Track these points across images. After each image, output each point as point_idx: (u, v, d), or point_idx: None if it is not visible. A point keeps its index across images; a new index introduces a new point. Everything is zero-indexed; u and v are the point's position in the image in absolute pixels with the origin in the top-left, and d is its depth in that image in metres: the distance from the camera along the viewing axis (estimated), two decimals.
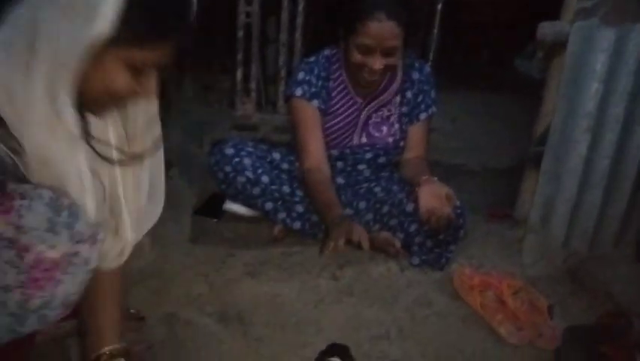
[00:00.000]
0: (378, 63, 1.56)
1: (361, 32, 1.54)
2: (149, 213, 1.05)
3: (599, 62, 1.54)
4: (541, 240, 1.68)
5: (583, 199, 1.63)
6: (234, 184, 1.73)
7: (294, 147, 1.78)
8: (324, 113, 1.71)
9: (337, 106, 1.73)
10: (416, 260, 1.65)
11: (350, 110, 1.74)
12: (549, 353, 1.36)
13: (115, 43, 0.76)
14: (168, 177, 2.00)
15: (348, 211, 1.74)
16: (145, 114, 0.94)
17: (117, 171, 0.96)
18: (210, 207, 1.87)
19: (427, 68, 1.81)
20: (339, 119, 1.74)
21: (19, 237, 0.77)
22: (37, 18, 0.75)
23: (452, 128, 2.75)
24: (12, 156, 0.78)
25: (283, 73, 2.61)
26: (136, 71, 0.81)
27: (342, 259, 1.64)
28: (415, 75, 1.77)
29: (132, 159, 0.94)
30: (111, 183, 0.96)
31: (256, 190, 1.72)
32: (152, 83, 0.84)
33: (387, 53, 1.56)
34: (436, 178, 1.61)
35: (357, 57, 1.59)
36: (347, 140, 1.76)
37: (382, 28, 1.53)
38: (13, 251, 0.77)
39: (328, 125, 1.73)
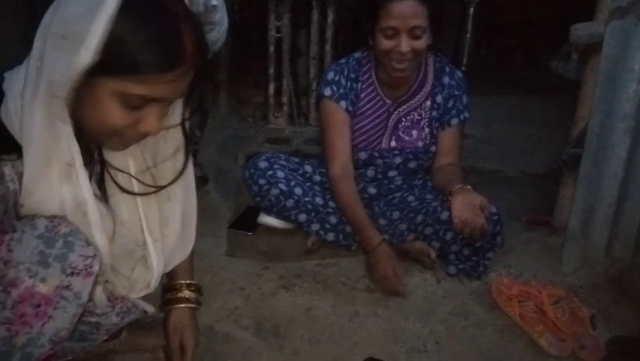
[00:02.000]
0: (404, 45, 1.56)
1: (385, 15, 1.56)
2: (179, 249, 1.04)
3: (637, 62, 1.49)
4: (582, 247, 1.63)
5: (624, 204, 1.57)
6: (268, 197, 1.75)
7: (324, 159, 1.80)
8: (353, 115, 1.73)
9: (366, 107, 1.74)
10: (453, 269, 1.63)
11: (379, 112, 1.74)
12: None
13: (102, 74, 0.73)
14: (205, 192, 2.08)
15: (382, 222, 1.74)
16: (168, 146, 0.93)
17: (139, 202, 0.94)
18: (245, 221, 1.90)
19: (459, 73, 1.79)
20: (367, 120, 1.74)
21: (7, 271, 0.75)
22: (43, 48, 0.75)
23: (487, 133, 2.71)
24: (17, 180, 0.78)
25: (314, 85, 2.64)
26: (131, 105, 0.77)
27: None
28: (446, 80, 1.76)
29: (152, 189, 0.93)
30: (132, 214, 0.94)
31: (289, 202, 1.74)
32: (153, 120, 0.79)
33: (413, 35, 1.56)
34: (469, 187, 1.59)
35: (384, 44, 1.59)
36: (376, 142, 1.76)
37: (405, 6, 1.54)
38: None
39: (357, 126, 1.74)
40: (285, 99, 2.69)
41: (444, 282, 1.61)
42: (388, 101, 1.74)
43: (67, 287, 0.80)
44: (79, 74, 0.72)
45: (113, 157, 0.92)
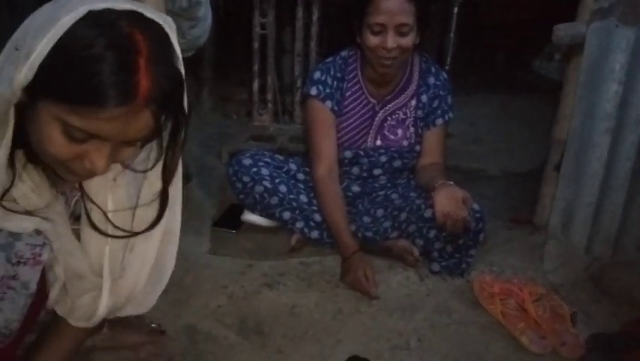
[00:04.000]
0: (391, 41, 1.57)
1: (372, 11, 1.57)
2: (133, 303, 0.97)
3: (618, 63, 1.51)
4: (563, 246, 1.65)
5: (605, 203, 1.59)
6: (252, 194, 1.74)
7: (309, 156, 1.80)
8: (338, 114, 1.73)
9: (351, 106, 1.74)
10: (436, 267, 1.64)
11: (364, 111, 1.75)
12: None
13: (45, 96, 0.66)
14: (188, 189, 2.06)
15: (366, 219, 1.75)
16: (155, 192, 0.86)
17: (109, 240, 0.88)
18: (229, 219, 1.88)
19: (444, 74, 1.80)
20: (352, 119, 1.75)
21: None
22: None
23: (470, 132, 2.73)
24: None
25: (299, 83, 2.63)
26: (72, 136, 0.68)
27: None
28: (431, 80, 1.76)
29: (121, 233, 0.87)
30: (98, 250, 0.88)
31: (274, 200, 1.73)
32: (97, 157, 0.71)
33: (400, 32, 1.57)
34: (451, 182, 1.60)
35: (371, 40, 1.59)
36: (361, 141, 1.76)
37: (392, 3, 1.55)
38: None
39: (342, 125, 1.74)
40: (269, 96, 2.68)
41: (427, 280, 1.62)
42: (373, 100, 1.74)
43: (14, 277, 0.77)
44: (18, 90, 0.66)
45: (92, 189, 0.86)
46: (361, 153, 1.77)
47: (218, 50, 2.87)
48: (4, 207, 0.75)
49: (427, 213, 1.63)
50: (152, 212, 0.87)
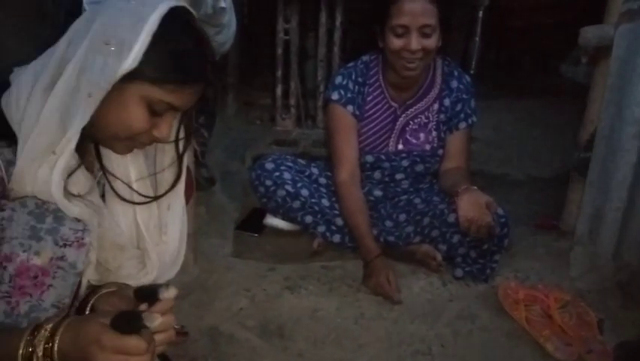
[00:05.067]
0: (415, 43, 1.56)
1: (396, 14, 1.57)
2: (174, 265, 1.04)
3: None
4: (590, 252, 1.62)
5: (633, 209, 1.55)
6: (275, 198, 1.76)
7: (331, 161, 1.80)
8: (360, 118, 1.73)
9: (373, 110, 1.74)
10: (460, 272, 1.63)
11: (385, 115, 1.74)
12: None
13: (139, 79, 0.80)
14: (212, 193, 2.09)
15: (388, 224, 1.74)
16: (166, 158, 0.97)
17: (137, 209, 0.96)
18: (251, 222, 1.90)
19: (467, 77, 1.79)
20: (374, 124, 1.75)
21: (1, 248, 0.79)
22: (69, 50, 0.81)
23: (495, 136, 2.70)
24: (3, 168, 0.82)
25: (322, 88, 2.64)
26: (153, 112, 0.83)
27: None
28: (454, 83, 1.75)
29: (150, 198, 0.96)
30: (129, 220, 0.96)
31: (296, 204, 1.74)
32: (167, 126, 0.86)
33: (423, 33, 1.57)
34: (475, 187, 1.59)
35: (394, 43, 1.59)
36: (383, 145, 1.76)
37: (415, 4, 1.56)
38: None
39: (363, 130, 1.74)
40: (292, 101, 2.70)
41: (450, 285, 1.60)
42: (395, 104, 1.74)
43: (62, 258, 0.83)
44: (117, 78, 0.78)
45: (112, 163, 0.94)
46: (383, 157, 1.76)
47: (243, 57, 2.91)
48: (68, 192, 0.84)
49: (451, 218, 1.62)
50: (170, 174, 0.98)
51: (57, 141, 0.81)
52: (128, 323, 0.74)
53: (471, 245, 1.60)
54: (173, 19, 0.81)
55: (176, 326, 1.31)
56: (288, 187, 1.74)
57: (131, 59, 0.78)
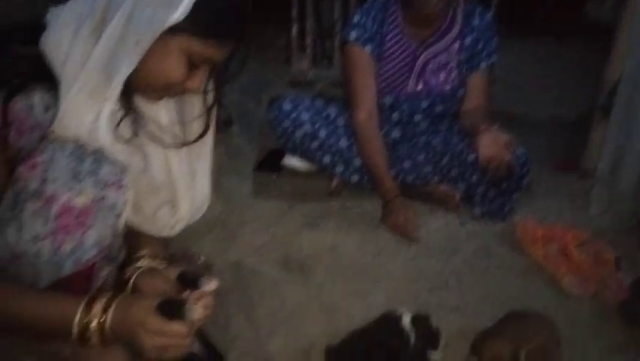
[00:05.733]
0: None
1: None
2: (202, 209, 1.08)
3: None
4: (610, 190, 1.62)
5: None
6: (293, 139, 1.75)
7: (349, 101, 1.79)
8: (378, 58, 1.70)
9: (391, 50, 1.71)
10: (478, 211, 1.64)
11: (404, 55, 1.71)
12: (614, 305, 1.32)
13: (183, 32, 0.81)
14: (229, 134, 2.09)
15: (407, 164, 1.74)
16: (195, 108, 0.98)
17: (169, 152, 0.99)
18: (270, 163, 1.91)
19: (488, 16, 1.74)
20: (393, 63, 1.71)
21: (45, 188, 0.81)
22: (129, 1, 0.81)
23: (516, 77, 2.64)
24: (44, 111, 0.83)
25: (338, 27, 2.58)
26: (192, 63, 0.85)
27: None
28: (475, 22, 1.70)
29: (181, 143, 0.98)
30: (161, 164, 0.99)
31: (314, 144, 1.74)
32: (200, 79, 0.88)
33: None
34: (496, 126, 1.57)
35: None
36: (402, 86, 1.73)
37: None
38: (39, 203, 0.81)
39: (382, 70, 1.71)
40: (308, 41, 2.65)
41: (468, 223, 1.62)
42: (414, 44, 1.70)
43: (102, 199, 0.86)
44: (163, 30, 0.79)
45: (145, 106, 0.95)
46: (402, 98, 1.74)
47: None
48: (113, 137, 0.87)
49: (470, 158, 1.61)
50: (199, 124, 0.99)
51: (103, 87, 0.83)
52: (173, 309, 0.80)
53: (490, 184, 1.60)
54: None
55: (202, 258, 1.37)
56: (306, 127, 1.74)
57: (180, 12, 0.79)
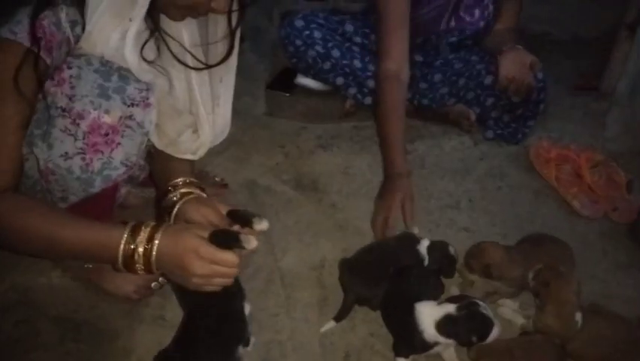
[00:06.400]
0: None
1: None
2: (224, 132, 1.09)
3: None
4: (628, 113, 1.59)
5: None
6: (305, 58, 1.71)
7: (368, 17, 1.71)
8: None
9: None
10: (490, 134, 1.62)
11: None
12: (623, 226, 1.35)
13: None
14: (241, 51, 2.04)
15: (423, 85, 1.70)
16: (219, 30, 0.96)
17: (192, 76, 0.98)
18: (282, 82, 1.89)
19: None
20: (427, 8, 1.58)
21: (73, 105, 0.81)
22: None
23: None
24: (69, 28, 0.81)
25: None
26: None
27: (415, 133, 1.64)
28: None
29: (204, 65, 0.97)
30: (184, 86, 0.98)
31: (327, 65, 1.70)
32: (225, 2, 0.86)
33: None
34: (520, 47, 1.52)
35: None
36: (434, 27, 1.62)
37: None
38: (68, 120, 0.82)
39: (416, 14, 1.55)
40: None
41: (481, 145, 1.61)
42: None
43: (130, 117, 0.86)
44: None
45: (168, 26, 0.93)
46: (433, 37, 1.64)
47: None
48: (140, 56, 0.87)
49: (487, 80, 1.57)
50: (222, 47, 0.98)
51: (129, 6, 0.81)
52: (226, 239, 0.81)
53: (505, 109, 1.57)
54: None
55: (217, 179, 1.40)
56: (319, 47, 1.69)
57: None
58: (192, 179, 1.00)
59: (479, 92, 1.61)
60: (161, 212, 0.97)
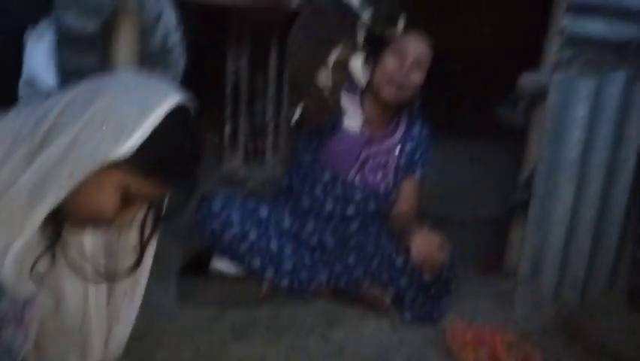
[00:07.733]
0: (409, 66, 1.65)
1: (399, 41, 1.66)
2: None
3: (580, 111, 1.57)
4: (533, 291, 1.66)
5: (571, 248, 1.62)
6: (221, 240, 1.70)
7: (281, 201, 1.78)
8: (337, 131, 1.70)
9: (348, 132, 1.71)
10: (408, 316, 1.62)
11: (356, 142, 1.72)
12: None
13: (124, 167, 0.75)
14: None
15: (338, 268, 1.72)
16: (133, 239, 0.91)
17: (90, 288, 0.91)
18: (196, 267, 1.83)
19: (428, 127, 1.83)
20: (343, 145, 1.72)
21: None
22: (62, 121, 0.74)
23: (438, 177, 2.74)
24: None
25: (271, 126, 2.63)
26: (128, 199, 0.79)
27: (332, 317, 1.60)
28: (417, 130, 1.80)
29: (105, 278, 0.90)
30: (78, 300, 0.90)
31: (244, 246, 1.69)
32: (133, 214, 0.82)
33: (418, 64, 1.66)
34: (426, 228, 1.61)
35: (390, 64, 1.65)
36: (343, 168, 1.72)
37: (419, 40, 1.69)
38: None
39: (333, 145, 1.71)
40: (241, 139, 2.67)
41: (400, 329, 1.59)
42: (366, 135, 1.73)
43: None
44: (106, 162, 0.74)
45: (68, 230, 0.87)
46: (339, 180, 1.73)
47: (189, 92, 2.86)
48: (23, 270, 0.78)
49: (399, 262, 1.62)
50: (130, 260, 0.91)
51: (21, 216, 0.74)
52: None
53: (419, 288, 1.60)
54: (176, 116, 0.78)
55: None
56: (236, 229, 1.69)
57: (127, 147, 0.73)
58: None
59: (392, 273, 1.65)
60: None
